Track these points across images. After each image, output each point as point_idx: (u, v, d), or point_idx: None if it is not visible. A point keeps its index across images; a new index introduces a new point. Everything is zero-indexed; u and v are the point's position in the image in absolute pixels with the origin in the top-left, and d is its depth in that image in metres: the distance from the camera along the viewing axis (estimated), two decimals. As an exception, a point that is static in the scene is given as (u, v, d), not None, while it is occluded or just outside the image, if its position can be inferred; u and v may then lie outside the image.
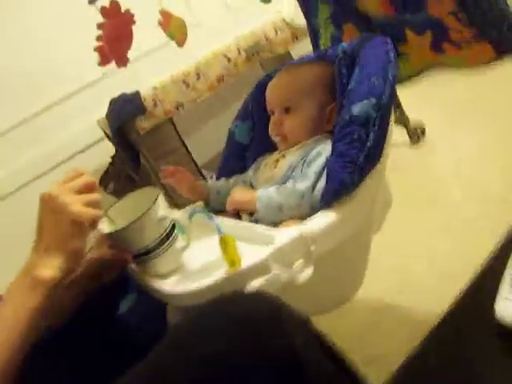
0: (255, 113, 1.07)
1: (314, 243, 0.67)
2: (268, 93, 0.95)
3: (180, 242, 0.69)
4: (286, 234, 0.68)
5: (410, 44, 1.09)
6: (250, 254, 0.64)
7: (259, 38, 1.93)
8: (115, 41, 0.75)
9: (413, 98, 1.79)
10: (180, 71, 1.72)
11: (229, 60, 1.82)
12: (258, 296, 0.51)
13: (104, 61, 0.79)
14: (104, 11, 0.74)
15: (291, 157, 0.87)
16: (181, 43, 0.93)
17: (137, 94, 1.57)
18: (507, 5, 0.91)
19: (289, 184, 0.81)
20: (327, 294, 0.81)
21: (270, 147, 0.99)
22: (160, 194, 0.66)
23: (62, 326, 0.67)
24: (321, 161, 0.81)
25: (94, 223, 0.62)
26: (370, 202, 0.79)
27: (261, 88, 1.07)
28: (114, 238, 0.67)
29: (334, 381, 0.49)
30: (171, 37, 0.93)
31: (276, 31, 1.96)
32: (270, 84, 0.96)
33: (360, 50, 0.88)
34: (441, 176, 1.68)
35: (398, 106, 2.21)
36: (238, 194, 0.86)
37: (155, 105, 1.63)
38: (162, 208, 0.66)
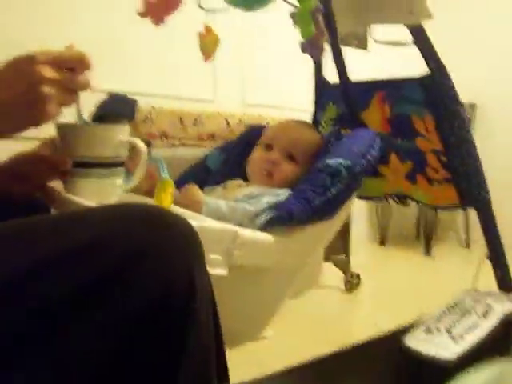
0: (235, 151, 1.10)
1: (240, 249, 0.66)
2: (280, 130, 0.99)
3: (120, 181, 0.66)
4: (222, 224, 0.66)
5: (390, 167, 1.18)
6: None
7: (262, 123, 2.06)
8: (163, 1, 0.80)
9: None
10: (183, 108, 1.79)
11: (228, 125, 1.91)
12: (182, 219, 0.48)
13: (145, 14, 0.82)
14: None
15: (255, 188, 0.89)
16: (206, 59, 0.99)
17: (134, 101, 1.60)
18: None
19: (239, 203, 0.82)
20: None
21: (230, 178, 1.01)
22: (127, 125, 0.66)
23: None
24: (278, 197, 0.83)
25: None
26: (304, 251, 0.79)
27: (251, 133, 1.13)
28: (64, 133, 0.64)
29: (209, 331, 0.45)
30: (202, 48, 0.98)
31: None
32: (283, 124, 1.02)
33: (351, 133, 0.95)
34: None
35: (346, 252, 2.31)
36: (191, 191, 0.85)
37: (144, 121, 1.67)
38: (125, 137, 0.65)
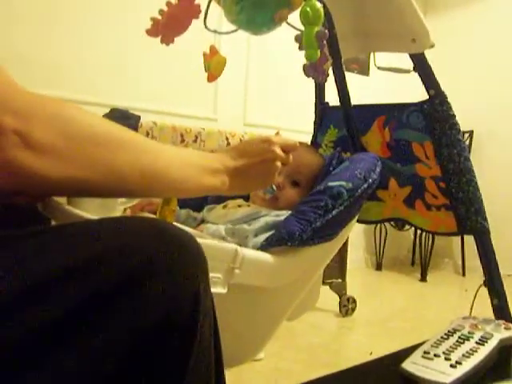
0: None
1: (240, 268, 0.65)
2: None
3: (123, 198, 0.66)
4: (222, 243, 0.66)
5: (389, 192, 1.19)
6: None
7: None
8: (172, 21, 0.81)
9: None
10: (184, 125, 1.81)
11: (228, 143, 1.93)
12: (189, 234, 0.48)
13: (153, 33, 0.84)
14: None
15: (256, 208, 0.89)
16: (211, 79, 1.00)
17: (137, 117, 1.61)
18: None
19: (238, 225, 0.82)
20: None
21: (231, 198, 1.01)
22: None
23: None
24: (278, 218, 0.83)
25: None
26: (303, 272, 0.79)
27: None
28: None
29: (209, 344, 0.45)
30: (206, 68, 1.00)
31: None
32: None
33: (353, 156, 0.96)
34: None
35: (343, 277, 2.29)
36: None
37: (146, 136, 1.68)
38: None
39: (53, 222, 0.69)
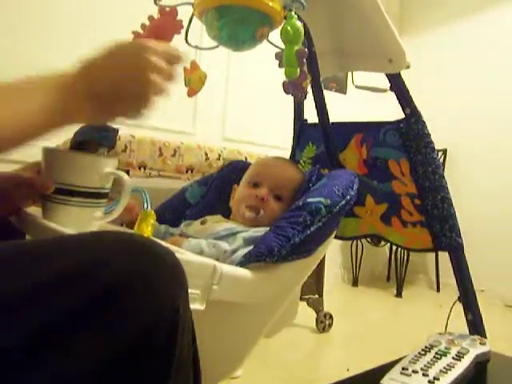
0: (214, 185, 1.11)
1: (218, 284, 0.65)
2: (267, 169, 1.00)
3: (100, 213, 0.66)
4: (201, 258, 0.66)
5: (366, 209, 1.20)
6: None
7: (241, 158, 2.08)
8: (154, 36, 0.81)
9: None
10: (163, 139, 1.80)
11: (207, 158, 1.93)
12: (166, 249, 0.48)
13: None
14: (161, 9, 0.82)
15: (233, 225, 0.89)
16: (191, 94, 1.00)
17: (115, 130, 1.59)
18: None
19: (218, 241, 0.82)
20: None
21: (209, 214, 1.01)
22: (117, 159, 0.66)
23: None
24: (256, 234, 0.83)
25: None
26: (282, 288, 0.79)
27: (232, 168, 1.14)
28: (50, 158, 0.63)
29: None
30: (186, 83, 1.00)
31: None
32: (268, 162, 1.03)
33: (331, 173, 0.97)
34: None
35: (320, 292, 2.30)
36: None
37: (124, 150, 1.66)
38: (112, 170, 0.65)
39: (27, 237, 0.68)
